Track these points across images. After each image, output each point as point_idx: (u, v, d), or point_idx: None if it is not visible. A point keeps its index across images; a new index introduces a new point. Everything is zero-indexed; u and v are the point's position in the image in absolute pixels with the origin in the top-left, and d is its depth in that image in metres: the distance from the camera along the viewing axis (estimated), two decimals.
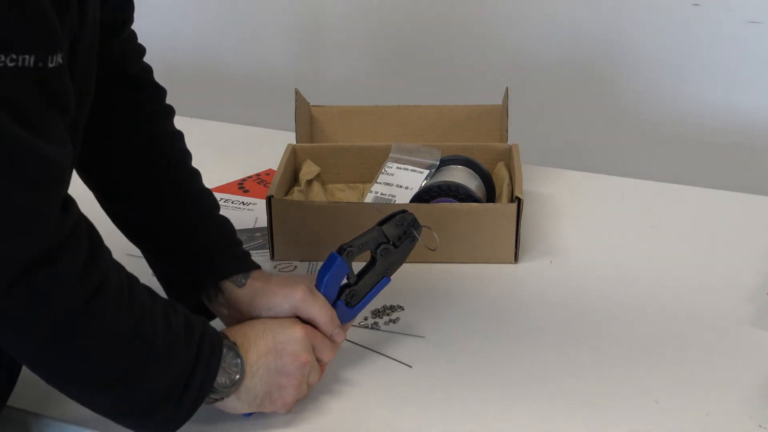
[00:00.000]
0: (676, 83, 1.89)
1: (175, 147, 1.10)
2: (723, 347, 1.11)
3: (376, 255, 1.03)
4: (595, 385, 1.05)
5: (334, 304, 1.02)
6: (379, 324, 1.16)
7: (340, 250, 1.01)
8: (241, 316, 1.02)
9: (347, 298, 1.02)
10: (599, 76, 1.94)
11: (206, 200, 1.09)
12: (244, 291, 1.02)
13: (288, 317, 0.98)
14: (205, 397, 0.90)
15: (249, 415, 0.97)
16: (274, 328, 0.96)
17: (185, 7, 2.22)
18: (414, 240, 1.05)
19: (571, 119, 1.99)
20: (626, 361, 1.09)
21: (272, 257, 1.30)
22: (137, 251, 1.09)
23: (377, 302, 1.19)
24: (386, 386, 1.04)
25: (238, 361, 0.92)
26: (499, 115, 1.49)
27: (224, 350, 0.91)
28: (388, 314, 1.18)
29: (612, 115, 1.96)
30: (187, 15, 2.20)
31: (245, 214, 1.42)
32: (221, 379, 0.90)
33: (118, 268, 0.86)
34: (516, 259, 1.29)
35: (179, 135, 1.11)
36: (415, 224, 1.05)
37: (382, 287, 1.05)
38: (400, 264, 1.06)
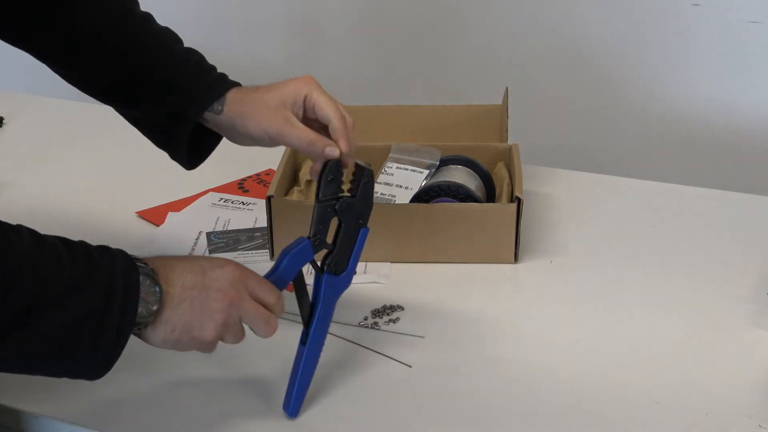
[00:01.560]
0: (676, 83, 1.89)
1: None
2: (723, 347, 1.11)
3: (340, 216, 0.98)
4: (594, 385, 1.05)
5: (319, 280, 0.98)
6: (379, 324, 1.16)
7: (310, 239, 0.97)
8: (231, 137, 1.06)
9: (331, 268, 0.98)
10: (599, 76, 1.94)
11: (163, 38, 1.08)
12: (222, 118, 1.03)
13: (222, 258, 0.93)
14: (129, 326, 0.84)
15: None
16: (205, 264, 0.90)
17: (183, 7, 2.22)
18: (369, 181, 0.99)
19: (571, 119, 1.99)
20: (626, 361, 1.09)
21: (272, 257, 1.30)
22: (136, 251, 1.08)
23: (377, 302, 1.19)
24: (386, 386, 1.04)
25: (156, 289, 0.86)
26: (499, 115, 1.49)
27: (140, 278, 0.85)
28: (388, 314, 1.17)
29: (612, 115, 1.96)
30: (185, 14, 2.20)
31: (245, 214, 1.42)
32: (139, 307, 0.84)
33: None
34: (516, 259, 1.29)
35: None
36: (358, 167, 0.99)
37: (363, 240, 0.99)
38: (370, 209, 1.00)
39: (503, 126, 1.46)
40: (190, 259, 0.91)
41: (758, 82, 1.82)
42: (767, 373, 1.06)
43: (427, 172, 1.36)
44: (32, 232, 0.84)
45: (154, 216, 1.40)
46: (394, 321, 1.16)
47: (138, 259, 0.87)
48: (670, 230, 1.38)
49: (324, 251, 0.99)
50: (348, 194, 0.99)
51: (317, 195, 0.98)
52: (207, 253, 1.31)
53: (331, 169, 0.98)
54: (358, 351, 1.10)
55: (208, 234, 1.36)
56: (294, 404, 0.98)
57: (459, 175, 1.34)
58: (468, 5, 1.98)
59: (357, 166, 1.00)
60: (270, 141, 1.05)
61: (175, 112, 1.06)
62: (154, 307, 0.86)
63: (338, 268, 0.99)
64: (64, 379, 1.04)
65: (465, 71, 2.03)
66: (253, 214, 1.42)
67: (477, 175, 1.36)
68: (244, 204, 1.45)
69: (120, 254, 0.87)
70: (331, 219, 0.98)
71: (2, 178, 1.50)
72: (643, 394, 1.03)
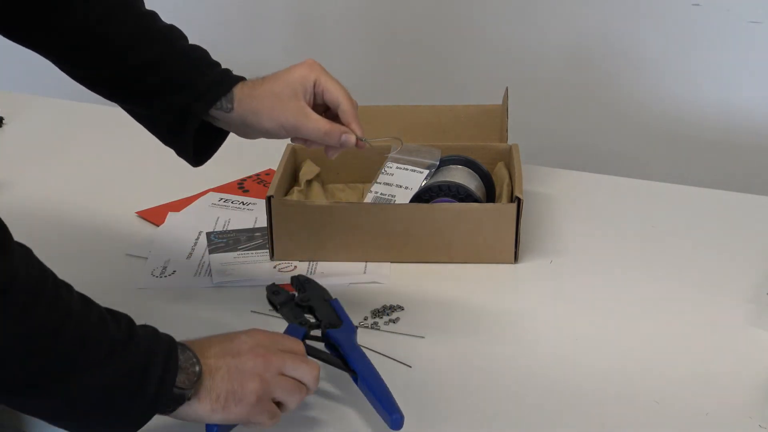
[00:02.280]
0: (676, 83, 1.89)
1: None
2: (723, 347, 1.11)
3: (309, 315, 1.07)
4: (594, 385, 1.05)
5: (327, 339, 1.02)
6: (379, 324, 1.16)
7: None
8: (243, 132, 1.06)
9: (328, 327, 1.03)
10: (599, 76, 1.94)
11: (168, 34, 1.08)
12: (234, 116, 1.03)
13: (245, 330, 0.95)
14: (167, 394, 0.84)
15: (214, 429, 0.90)
16: (230, 335, 0.92)
17: (183, 7, 2.22)
18: (306, 281, 1.10)
19: (571, 119, 1.99)
20: (626, 360, 1.09)
21: (272, 257, 1.30)
22: (136, 251, 1.09)
23: (377, 302, 1.19)
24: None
25: (195, 360, 0.87)
26: (499, 115, 1.49)
27: (179, 350, 0.86)
28: (388, 314, 1.17)
29: (612, 115, 1.96)
30: (185, 15, 2.21)
31: (245, 214, 1.42)
32: (180, 377, 0.85)
33: (39, 271, 0.82)
34: (516, 259, 1.29)
35: None
36: (295, 281, 1.10)
37: (340, 305, 1.06)
38: (322, 291, 1.09)
39: (503, 126, 1.46)
40: (217, 335, 0.93)
41: (758, 82, 1.82)
42: (767, 373, 1.06)
43: (427, 172, 1.36)
44: (80, 294, 0.85)
45: (154, 216, 1.40)
46: (394, 321, 1.16)
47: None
48: (670, 230, 1.38)
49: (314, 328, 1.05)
50: (302, 303, 1.07)
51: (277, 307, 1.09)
52: (207, 253, 1.31)
53: (297, 284, 1.10)
54: None
55: (208, 234, 1.36)
56: (394, 415, 0.94)
57: (459, 175, 1.34)
58: (468, 5, 1.98)
59: (292, 279, 1.11)
60: (285, 133, 1.06)
61: (180, 108, 1.06)
62: (195, 379, 0.86)
63: (334, 325, 1.03)
64: None
65: (465, 71, 2.03)
66: (253, 214, 1.42)
67: (477, 175, 1.36)
68: (244, 204, 1.45)
69: (158, 331, 0.88)
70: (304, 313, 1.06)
71: (2, 178, 1.50)
72: (643, 394, 1.03)
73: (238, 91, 1.06)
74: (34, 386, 0.80)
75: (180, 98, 1.06)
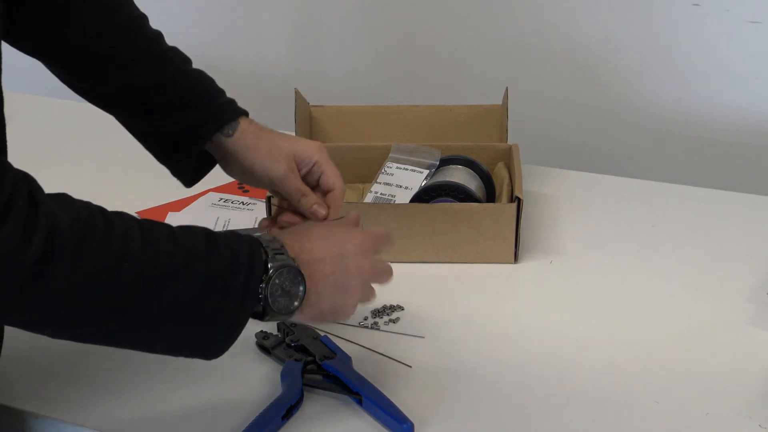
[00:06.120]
0: (675, 83, 1.89)
1: (130, 13, 1.09)
2: (723, 347, 1.11)
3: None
4: (594, 385, 1.05)
5: (325, 370, 1.03)
6: (379, 324, 1.16)
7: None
8: (229, 164, 1.08)
9: (323, 359, 1.04)
10: (599, 76, 1.94)
11: (173, 55, 1.09)
12: (230, 142, 1.05)
13: (346, 221, 1.03)
14: (252, 298, 0.86)
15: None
16: (337, 236, 0.97)
17: (183, 7, 2.22)
18: (294, 324, 1.09)
19: (571, 119, 1.99)
20: (626, 360, 1.09)
21: None
22: None
23: (377, 302, 1.19)
24: (386, 386, 1.03)
25: (302, 288, 0.89)
26: (499, 115, 1.49)
27: (289, 272, 0.88)
28: (388, 314, 1.17)
29: (612, 115, 1.96)
30: (185, 14, 2.21)
31: (245, 214, 1.42)
32: (282, 300, 0.88)
33: (86, 210, 0.83)
34: (516, 259, 1.29)
35: (126, 1, 1.10)
36: (282, 326, 1.10)
37: (329, 341, 1.07)
38: (310, 330, 1.09)
39: (503, 126, 1.46)
40: (321, 228, 0.99)
41: (758, 82, 1.81)
42: (767, 373, 1.06)
43: (427, 172, 1.36)
44: (144, 219, 0.85)
45: (154, 216, 1.40)
46: (394, 321, 1.16)
47: (269, 239, 0.90)
48: (670, 230, 1.38)
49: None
50: (293, 344, 1.07)
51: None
52: None
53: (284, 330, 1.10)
54: (358, 351, 1.10)
55: None
56: (404, 424, 0.96)
57: (459, 175, 1.34)
58: (468, 5, 1.98)
59: (278, 325, 1.10)
60: (267, 181, 1.08)
61: (189, 127, 1.07)
62: (296, 303, 0.89)
63: (329, 357, 1.04)
64: (65, 381, 1.04)
65: (465, 71, 2.03)
66: (253, 214, 1.42)
67: (477, 175, 1.36)
68: (244, 204, 1.45)
69: (242, 233, 0.90)
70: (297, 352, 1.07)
71: None
72: (643, 393, 1.03)
73: (243, 122, 1.08)
74: (117, 310, 0.80)
75: (189, 117, 1.07)
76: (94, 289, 0.79)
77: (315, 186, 1.10)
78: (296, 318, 0.92)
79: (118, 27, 1.07)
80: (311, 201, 1.07)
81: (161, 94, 1.07)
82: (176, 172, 1.11)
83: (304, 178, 1.09)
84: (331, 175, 1.09)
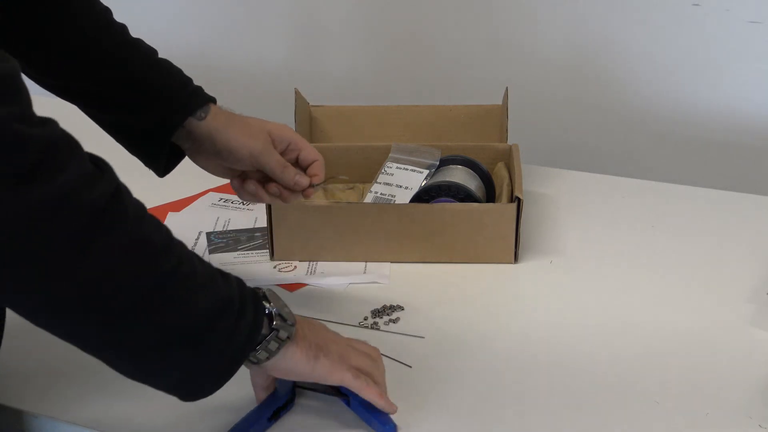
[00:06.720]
0: (675, 83, 1.89)
1: (98, 8, 1.10)
2: (723, 347, 1.11)
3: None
4: (594, 385, 1.05)
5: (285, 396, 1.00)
6: (379, 324, 1.16)
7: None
8: (201, 149, 1.09)
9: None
10: (599, 76, 1.94)
11: (141, 48, 1.11)
12: (202, 125, 1.07)
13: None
14: (260, 328, 0.87)
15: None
16: (346, 341, 0.99)
17: (183, 7, 2.22)
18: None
19: (571, 119, 1.99)
20: (626, 361, 1.09)
21: (272, 257, 1.30)
22: None
23: (377, 302, 1.19)
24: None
25: (287, 310, 0.91)
26: (499, 115, 1.49)
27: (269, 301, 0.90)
28: (388, 314, 1.17)
29: (612, 115, 1.96)
30: (184, 14, 2.20)
31: (245, 214, 1.42)
32: (275, 321, 0.88)
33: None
34: (516, 259, 1.29)
35: None
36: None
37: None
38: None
39: (503, 126, 1.46)
40: (338, 335, 0.99)
41: (758, 82, 1.81)
42: (767, 373, 1.06)
43: (427, 172, 1.36)
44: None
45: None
46: (394, 321, 1.16)
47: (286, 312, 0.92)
48: (670, 230, 1.38)
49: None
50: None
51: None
52: (207, 253, 1.31)
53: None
54: None
55: (208, 234, 1.36)
56: (387, 426, 0.96)
57: (459, 175, 1.34)
58: (469, 5, 1.98)
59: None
60: (247, 155, 1.09)
61: (158, 118, 1.08)
62: (292, 322, 0.90)
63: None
64: (64, 381, 1.04)
65: (465, 71, 2.03)
66: (253, 214, 1.42)
67: (477, 175, 1.36)
68: (244, 204, 1.45)
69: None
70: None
71: None
72: (643, 393, 1.03)
73: (213, 107, 1.10)
74: (130, 310, 0.79)
75: (160, 109, 1.08)
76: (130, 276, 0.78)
77: (294, 164, 1.13)
78: (289, 351, 0.90)
79: (88, 23, 1.08)
80: (293, 172, 1.10)
81: (130, 87, 1.08)
82: (148, 162, 1.12)
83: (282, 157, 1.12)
84: (309, 150, 1.13)
